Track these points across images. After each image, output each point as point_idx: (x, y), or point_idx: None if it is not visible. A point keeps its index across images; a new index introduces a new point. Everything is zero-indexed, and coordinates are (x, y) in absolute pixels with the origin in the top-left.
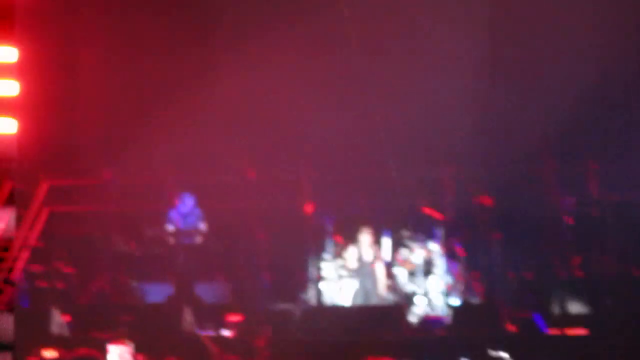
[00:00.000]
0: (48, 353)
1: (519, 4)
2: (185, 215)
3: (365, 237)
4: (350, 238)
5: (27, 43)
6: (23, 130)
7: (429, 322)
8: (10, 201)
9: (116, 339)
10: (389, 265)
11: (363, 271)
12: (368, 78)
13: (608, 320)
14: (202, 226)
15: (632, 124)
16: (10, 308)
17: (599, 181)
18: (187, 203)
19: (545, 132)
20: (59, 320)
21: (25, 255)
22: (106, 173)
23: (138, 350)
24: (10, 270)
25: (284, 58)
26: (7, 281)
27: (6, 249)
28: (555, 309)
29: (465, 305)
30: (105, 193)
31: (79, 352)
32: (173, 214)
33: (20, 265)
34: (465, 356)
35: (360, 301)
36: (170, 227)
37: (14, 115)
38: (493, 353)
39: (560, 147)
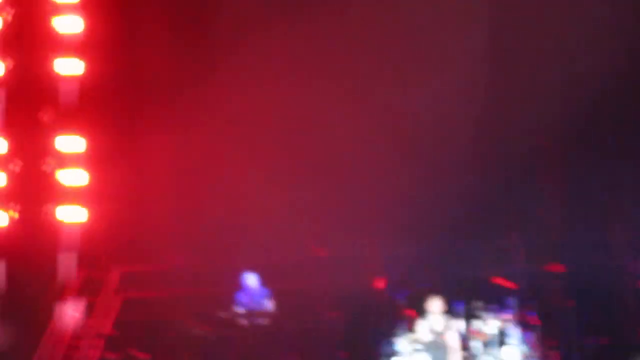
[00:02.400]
0: None
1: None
2: (253, 295)
3: (436, 308)
4: (423, 311)
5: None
6: (93, 218)
7: None
8: (84, 290)
9: None
10: (462, 337)
11: (435, 344)
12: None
13: None
14: (271, 306)
15: None
16: None
17: None
18: (252, 283)
19: (615, 197)
20: None
21: (99, 343)
22: (176, 258)
23: None
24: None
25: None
26: None
27: (81, 338)
28: None
29: None
30: (176, 278)
31: None
32: (241, 295)
33: (95, 353)
34: None
35: None
36: (240, 309)
37: (85, 205)
38: None
39: (629, 210)
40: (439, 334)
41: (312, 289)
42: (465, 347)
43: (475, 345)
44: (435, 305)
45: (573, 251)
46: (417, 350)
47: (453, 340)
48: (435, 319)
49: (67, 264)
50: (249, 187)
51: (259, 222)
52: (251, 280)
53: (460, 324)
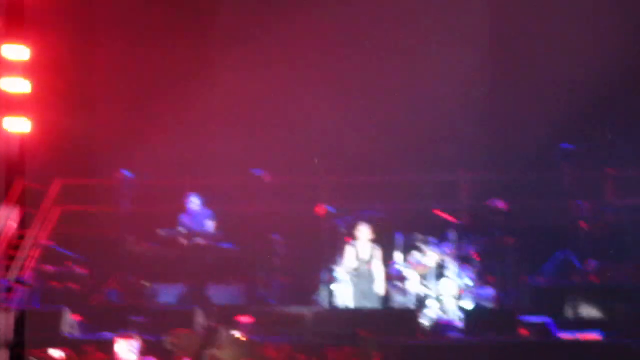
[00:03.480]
0: (57, 352)
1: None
2: (195, 216)
3: (363, 236)
4: (364, 240)
5: (39, 41)
6: (35, 128)
7: (441, 326)
8: (22, 200)
9: (125, 336)
10: (400, 268)
11: (361, 272)
12: (375, 76)
13: (622, 325)
14: (212, 227)
15: None
16: (20, 307)
17: (615, 186)
18: (195, 203)
19: (561, 137)
20: (69, 320)
21: (36, 254)
22: (120, 173)
23: (149, 351)
24: (21, 269)
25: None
26: (18, 280)
27: (17, 248)
28: (569, 314)
29: (478, 309)
30: (119, 193)
31: (88, 352)
32: (184, 215)
33: (31, 264)
34: None
35: (361, 303)
36: (182, 229)
37: (26, 114)
38: None
39: (575, 151)
40: (365, 262)
41: (255, 212)
42: (401, 277)
43: (413, 276)
44: (363, 232)
45: (516, 189)
46: (345, 277)
47: (378, 269)
48: (362, 247)
49: (7, 174)
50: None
51: (205, 145)
52: (194, 201)
53: (398, 255)
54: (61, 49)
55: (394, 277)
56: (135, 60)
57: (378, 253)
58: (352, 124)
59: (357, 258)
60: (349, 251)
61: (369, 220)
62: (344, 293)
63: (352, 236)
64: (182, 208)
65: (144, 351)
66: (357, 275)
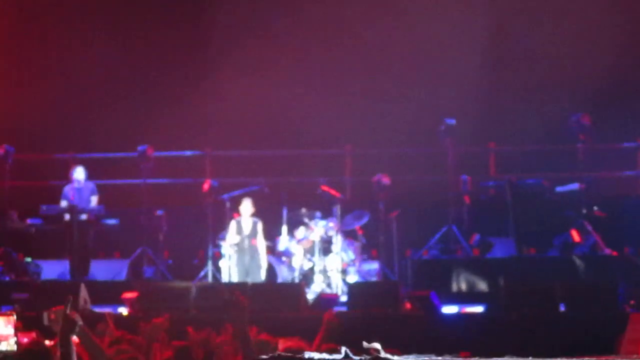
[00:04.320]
0: None
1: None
2: (79, 189)
3: (245, 211)
4: (246, 215)
5: None
6: None
7: (325, 300)
8: None
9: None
10: (285, 243)
11: (244, 247)
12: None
13: (503, 298)
14: (96, 201)
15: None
16: None
17: (497, 161)
18: (80, 177)
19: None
20: None
21: None
22: (1, 147)
23: (29, 328)
24: None
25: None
26: None
27: None
28: (453, 288)
29: (363, 283)
30: (1, 168)
31: None
32: (68, 189)
33: None
34: (361, 335)
35: (244, 278)
36: (65, 203)
37: None
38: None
39: (459, 127)
40: (248, 237)
41: (139, 186)
42: (286, 253)
43: (299, 250)
44: (245, 207)
45: (402, 164)
46: (229, 252)
47: (261, 244)
48: (245, 222)
49: None
50: None
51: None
52: (79, 174)
53: (283, 229)
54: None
55: (279, 252)
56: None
57: (260, 227)
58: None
59: (240, 233)
60: (231, 226)
61: (253, 195)
62: (228, 268)
63: (235, 211)
64: (66, 183)
65: (23, 327)
66: (239, 250)
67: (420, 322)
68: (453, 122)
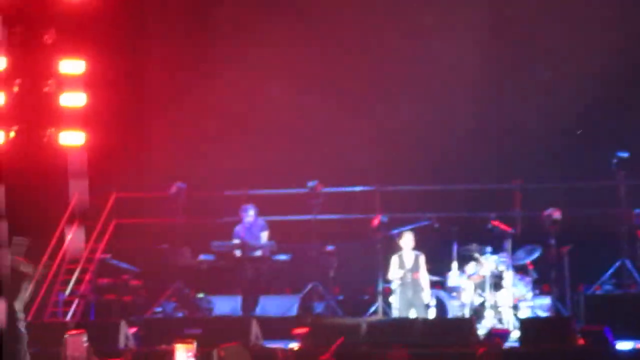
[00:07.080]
0: None
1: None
2: (250, 227)
3: (406, 244)
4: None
5: (95, 55)
6: (91, 142)
7: (496, 335)
8: (79, 214)
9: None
10: (456, 278)
11: (406, 281)
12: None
13: None
14: (267, 237)
15: None
16: (79, 320)
17: None
18: (250, 214)
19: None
20: (126, 333)
21: (93, 268)
22: (174, 186)
23: None
24: (78, 283)
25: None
26: (76, 294)
27: (75, 262)
28: (627, 323)
29: (535, 319)
30: (173, 206)
31: None
32: (239, 229)
33: (88, 278)
34: None
35: (407, 313)
36: (236, 240)
37: (81, 128)
38: None
39: (630, 161)
40: (410, 271)
41: (310, 221)
42: (456, 288)
43: (469, 286)
44: (406, 240)
45: (573, 198)
46: (394, 287)
47: (423, 278)
48: (407, 255)
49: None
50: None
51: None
52: (249, 212)
53: (454, 265)
54: (115, 63)
55: (449, 288)
56: (189, 74)
57: (423, 261)
58: (405, 132)
59: (402, 267)
60: (393, 260)
61: (423, 230)
62: (394, 303)
63: (398, 245)
64: (237, 219)
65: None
66: (402, 284)
67: (594, 358)
68: (626, 154)
